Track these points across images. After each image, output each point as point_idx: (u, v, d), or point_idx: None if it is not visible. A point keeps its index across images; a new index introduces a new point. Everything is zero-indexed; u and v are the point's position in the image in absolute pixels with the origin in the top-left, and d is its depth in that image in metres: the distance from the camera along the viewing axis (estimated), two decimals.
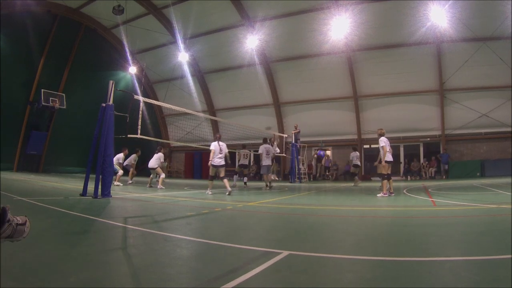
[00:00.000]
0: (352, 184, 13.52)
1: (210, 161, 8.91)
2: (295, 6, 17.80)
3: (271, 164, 11.87)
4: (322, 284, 1.96)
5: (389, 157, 8.05)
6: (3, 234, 1.50)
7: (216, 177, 9.08)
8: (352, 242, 3.26)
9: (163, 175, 11.50)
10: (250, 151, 14.74)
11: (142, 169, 18.28)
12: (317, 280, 2.04)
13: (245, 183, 13.15)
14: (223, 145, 9.04)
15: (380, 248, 2.97)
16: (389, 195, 7.78)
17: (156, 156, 11.74)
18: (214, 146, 8.94)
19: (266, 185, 11.35)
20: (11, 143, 17.77)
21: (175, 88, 23.80)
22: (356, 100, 19.93)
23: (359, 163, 13.75)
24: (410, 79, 18.57)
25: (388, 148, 8.04)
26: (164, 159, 12.41)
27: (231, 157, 13.27)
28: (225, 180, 8.96)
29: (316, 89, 20.53)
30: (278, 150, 14.16)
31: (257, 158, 13.94)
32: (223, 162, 8.95)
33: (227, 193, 8.49)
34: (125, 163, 12.67)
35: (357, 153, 13.67)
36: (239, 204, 6.46)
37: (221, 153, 8.92)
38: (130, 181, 12.64)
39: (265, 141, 12.10)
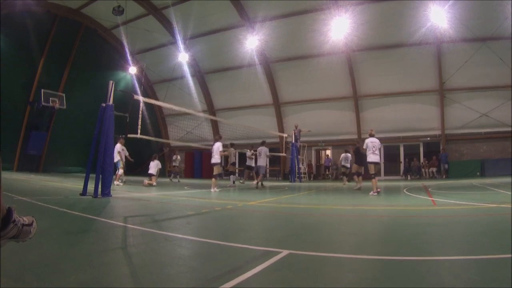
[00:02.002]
0: (342, 183, 13.74)
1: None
2: (295, 6, 17.79)
3: (264, 165, 12.26)
4: (322, 284, 1.96)
5: (371, 158, 8.59)
6: (9, 235, 1.49)
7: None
8: (352, 241, 3.26)
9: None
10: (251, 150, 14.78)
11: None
12: (317, 279, 2.03)
13: (233, 182, 13.25)
14: (214, 145, 9.91)
15: (380, 247, 2.97)
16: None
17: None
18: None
19: (258, 183, 11.76)
20: (11, 143, 17.76)
21: (175, 88, 23.79)
22: (356, 100, 19.92)
23: (348, 165, 13.72)
24: (410, 79, 18.56)
25: (371, 150, 8.52)
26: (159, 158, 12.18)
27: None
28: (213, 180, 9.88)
29: (316, 89, 20.53)
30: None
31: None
32: (213, 161, 9.83)
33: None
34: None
35: (349, 155, 13.43)
36: (239, 204, 6.46)
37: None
38: (122, 182, 11.54)
39: (263, 143, 12.43)
